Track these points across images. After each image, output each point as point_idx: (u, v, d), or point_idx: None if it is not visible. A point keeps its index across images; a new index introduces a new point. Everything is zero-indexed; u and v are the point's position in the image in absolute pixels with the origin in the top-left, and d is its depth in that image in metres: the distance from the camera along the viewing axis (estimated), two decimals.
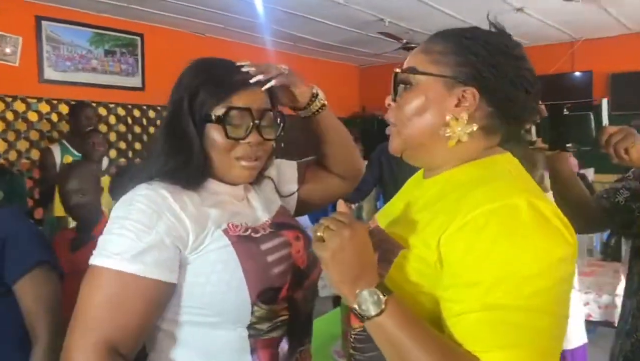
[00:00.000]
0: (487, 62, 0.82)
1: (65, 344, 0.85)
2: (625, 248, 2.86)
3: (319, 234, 0.75)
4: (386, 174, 3.24)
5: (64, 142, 3.81)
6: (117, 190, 0.99)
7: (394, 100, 0.89)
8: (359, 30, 5.73)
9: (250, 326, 0.94)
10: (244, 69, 1.01)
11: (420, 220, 0.82)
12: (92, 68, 5.00)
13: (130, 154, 5.31)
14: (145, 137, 5.41)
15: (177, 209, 0.91)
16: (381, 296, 0.71)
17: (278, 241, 1.02)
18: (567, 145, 1.31)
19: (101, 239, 0.90)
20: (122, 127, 5.25)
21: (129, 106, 5.28)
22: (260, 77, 0.99)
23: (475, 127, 0.84)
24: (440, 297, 0.75)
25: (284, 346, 0.99)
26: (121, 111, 5.24)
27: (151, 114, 5.46)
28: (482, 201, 0.73)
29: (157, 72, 5.42)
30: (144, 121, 5.42)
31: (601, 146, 1.29)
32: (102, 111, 5.06)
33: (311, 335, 1.09)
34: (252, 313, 0.93)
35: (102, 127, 5.10)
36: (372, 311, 0.71)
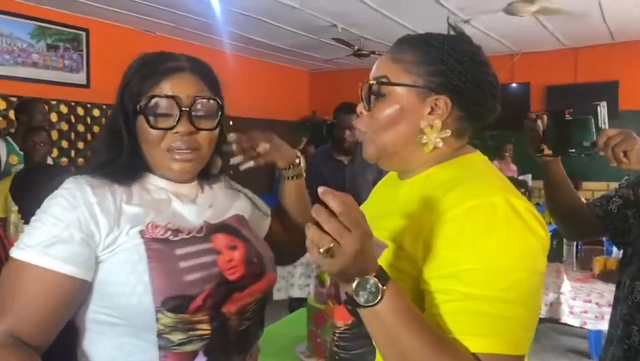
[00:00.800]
0: (457, 70, 0.86)
1: None
2: (566, 250, 3.05)
3: (322, 250, 0.67)
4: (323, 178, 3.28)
5: (9, 139, 3.60)
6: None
7: (367, 109, 0.91)
8: (312, 35, 5.78)
9: (159, 335, 0.88)
10: (229, 140, 0.99)
11: (402, 219, 0.84)
12: (32, 63, 4.76)
13: (72, 153, 5.09)
14: (89, 136, 5.21)
15: (93, 205, 0.88)
16: (379, 285, 0.70)
17: (200, 248, 0.95)
18: (570, 150, 1.33)
19: (24, 232, 0.89)
20: (64, 126, 5.02)
21: (72, 103, 5.07)
22: (237, 159, 0.99)
23: (449, 132, 0.88)
24: (424, 289, 0.78)
25: None
26: (64, 108, 5.02)
27: (96, 112, 5.26)
28: (462, 199, 0.77)
29: (103, 70, 5.23)
30: (88, 120, 5.21)
31: (600, 148, 1.26)
32: (45, 109, 4.82)
33: (248, 353, 1.00)
34: (157, 320, 0.87)
35: None
36: (370, 301, 0.70)
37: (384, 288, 0.70)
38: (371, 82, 0.90)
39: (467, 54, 0.88)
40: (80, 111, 5.14)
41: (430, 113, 0.87)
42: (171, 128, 0.94)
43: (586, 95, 6.38)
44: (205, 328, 0.91)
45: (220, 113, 0.99)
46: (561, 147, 1.34)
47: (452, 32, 0.93)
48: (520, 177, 5.80)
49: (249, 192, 1.19)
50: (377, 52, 5.77)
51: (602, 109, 1.38)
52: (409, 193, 0.89)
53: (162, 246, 0.91)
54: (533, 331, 0.76)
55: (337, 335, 0.94)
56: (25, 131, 3.27)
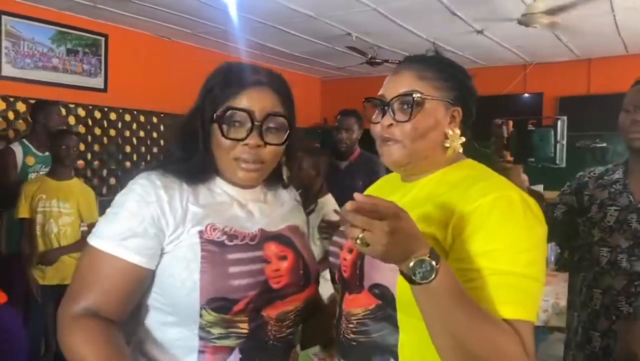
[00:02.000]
0: (464, 85, 1.05)
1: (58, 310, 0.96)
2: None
3: (358, 242, 0.75)
4: None
5: (25, 141, 3.66)
6: None
7: (406, 119, 1.00)
8: (327, 43, 5.84)
9: (201, 328, 0.95)
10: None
11: (427, 212, 0.95)
12: (52, 67, 4.85)
13: (88, 156, 5.17)
14: (105, 140, 5.29)
15: (164, 203, 0.96)
16: (434, 264, 0.78)
17: (251, 255, 1.00)
18: (530, 159, 1.40)
19: (99, 220, 1.00)
20: (81, 129, 5.10)
21: (90, 107, 5.15)
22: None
23: (463, 139, 1.04)
24: (454, 268, 0.86)
25: (235, 358, 0.97)
26: (81, 112, 5.10)
27: (112, 116, 5.35)
28: (485, 192, 0.91)
29: (120, 74, 5.32)
30: (105, 123, 5.29)
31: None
32: (62, 111, 4.91)
33: (284, 358, 1.05)
34: (201, 315, 0.94)
35: None
36: (425, 278, 0.78)
37: (438, 266, 0.78)
38: (414, 95, 1.00)
39: (465, 71, 1.07)
40: (97, 114, 5.23)
41: (450, 123, 1.03)
42: (242, 140, 1.00)
43: (599, 106, 6.38)
44: (243, 328, 0.97)
45: (289, 130, 1.04)
46: (522, 155, 1.40)
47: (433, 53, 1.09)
48: (533, 187, 5.78)
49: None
50: (390, 61, 5.81)
51: (562, 124, 1.44)
52: (424, 191, 1.02)
53: (216, 249, 0.97)
54: (540, 304, 0.92)
55: (354, 322, 1.00)
56: (55, 134, 3.32)
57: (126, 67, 5.40)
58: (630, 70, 6.44)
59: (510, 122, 1.46)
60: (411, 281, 0.79)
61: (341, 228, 1.13)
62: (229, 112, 1.00)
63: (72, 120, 5.03)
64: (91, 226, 3.16)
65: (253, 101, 1.00)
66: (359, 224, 0.75)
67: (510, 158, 1.41)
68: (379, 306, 0.96)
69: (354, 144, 3.33)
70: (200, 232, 0.97)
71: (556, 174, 6.22)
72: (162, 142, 5.89)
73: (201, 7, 4.62)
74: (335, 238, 1.13)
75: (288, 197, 1.18)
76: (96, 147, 5.23)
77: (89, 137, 5.17)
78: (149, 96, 5.55)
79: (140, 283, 0.97)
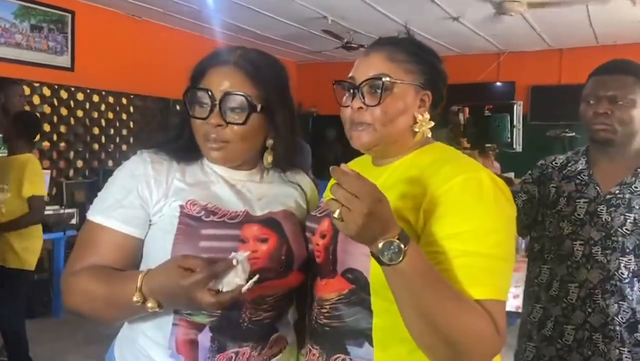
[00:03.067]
0: (435, 68, 1.03)
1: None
2: None
3: (335, 216, 0.77)
4: None
5: None
6: None
7: (376, 103, 0.98)
8: (302, 26, 5.76)
9: None
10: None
11: (399, 194, 0.94)
12: (16, 43, 4.64)
13: (54, 137, 5.00)
14: (72, 120, 5.12)
15: (150, 177, 1.01)
16: (402, 246, 0.79)
17: (226, 232, 1.00)
18: (487, 145, 1.40)
19: (97, 195, 1.06)
20: (47, 109, 4.92)
21: (56, 86, 4.97)
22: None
23: (432, 123, 1.03)
24: (425, 252, 0.87)
25: (205, 336, 0.99)
26: (47, 91, 4.91)
27: (80, 96, 5.17)
28: (454, 174, 0.91)
29: (88, 53, 5.14)
30: (72, 103, 5.12)
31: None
32: (26, 90, 4.71)
33: (266, 345, 1.04)
34: None
35: (25, 108, 4.77)
36: (396, 258, 0.79)
37: (406, 248, 0.79)
38: (384, 79, 0.98)
39: (435, 53, 1.06)
40: (63, 94, 5.04)
41: (420, 107, 1.02)
42: (204, 119, 1.00)
43: (570, 96, 6.49)
44: None
45: (250, 109, 1.00)
46: (479, 141, 1.40)
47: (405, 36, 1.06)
48: (506, 175, 5.87)
49: (306, 186, 1.19)
50: (366, 46, 5.77)
51: (519, 108, 1.46)
52: (395, 174, 1.01)
53: (192, 223, 0.99)
54: (510, 283, 0.92)
55: (327, 307, 0.99)
56: (15, 115, 3.17)
57: (94, 46, 5.21)
58: (600, 60, 6.52)
59: (467, 109, 1.45)
60: (380, 262, 0.80)
61: (312, 213, 1.11)
62: (190, 92, 1.02)
63: (36, 99, 4.84)
64: (33, 199, 3.01)
65: (213, 80, 1.01)
66: (341, 200, 0.76)
67: (467, 145, 1.40)
68: (352, 290, 0.96)
69: None
70: (181, 206, 1.00)
71: (527, 162, 6.35)
72: (131, 124, 5.74)
73: None
74: (307, 224, 1.10)
75: (295, 181, 1.16)
76: (62, 129, 5.06)
77: (55, 118, 4.99)
78: (118, 76, 5.38)
79: (131, 251, 1.02)
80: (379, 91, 0.97)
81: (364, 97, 0.98)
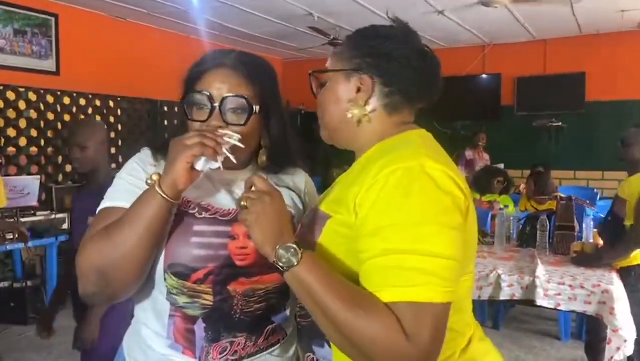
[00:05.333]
0: (378, 51, 0.95)
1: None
2: (539, 235, 3.15)
3: (242, 203, 0.87)
4: None
5: None
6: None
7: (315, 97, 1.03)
8: (288, 23, 5.76)
9: (169, 293, 1.01)
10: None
11: (341, 191, 0.93)
12: None
13: (41, 142, 4.95)
14: (59, 125, 5.08)
15: (151, 172, 1.02)
16: (298, 249, 0.84)
17: (217, 229, 1.02)
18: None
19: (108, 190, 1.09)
20: (33, 113, 4.88)
21: (42, 91, 4.92)
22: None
23: (370, 107, 0.96)
24: (357, 248, 0.85)
25: (200, 327, 1.01)
26: (32, 96, 4.87)
27: (66, 100, 5.13)
28: (384, 165, 0.85)
29: (73, 56, 5.10)
30: (58, 107, 5.08)
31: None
32: (11, 95, 4.68)
33: (260, 335, 1.06)
34: (165, 279, 1.00)
35: (11, 113, 4.72)
36: (291, 262, 0.84)
37: (301, 251, 0.84)
38: (314, 73, 1.02)
39: (390, 35, 0.97)
40: (49, 98, 5.00)
41: (357, 92, 0.96)
42: (204, 121, 1.01)
43: (555, 86, 6.57)
44: (207, 299, 1.01)
45: (250, 110, 1.02)
46: None
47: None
48: (497, 165, 5.92)
49: (301, 192, 1.20)
50: None
51: None
52: (352, 170, 0.99)
53: (184, 218, 1.02)
54: (453, 281, 0.82)
55: (298, 305, 1.02)
56: None
57: (79, 49, 5.17)
58: (583, 49, 6.65)
59: None
60: (280, 269, 0.85)
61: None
62: (189, 95, 1.03)
63: (22, 105, 4.80)
64: None
65: (211, 82, 1.02)
66: (246, 193, 0.90)
67: None
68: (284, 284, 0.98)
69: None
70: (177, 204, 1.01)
71: (515, 153, 6.43)
72: (119, 126, 5.71)
73: None
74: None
75: (290, 181, 1.17)
76: (49, 133, 5.01)
77: (42, 123, 4.95)
78: (104, 78, 5.34)
79: None
80: (318, 84, 1.02)
81: (314, 93, 1.04)
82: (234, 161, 0.96)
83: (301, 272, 0.83)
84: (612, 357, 2.41)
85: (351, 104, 0.96)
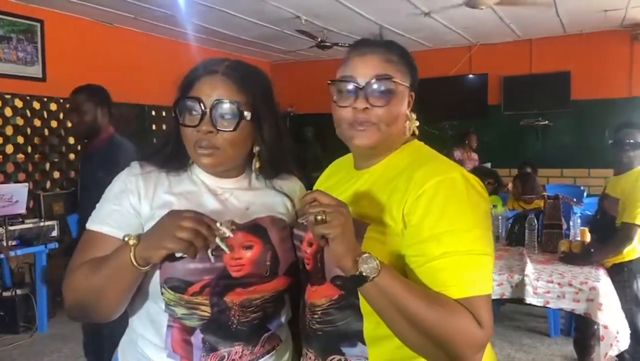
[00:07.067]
0: (416, 70, 1.07)
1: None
2: (527, 234, 3.19)
3: (319, 217, 0.85)
4: None
5: None
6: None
7: (383, 104, 1.01)
8: (276, 26, 5.76)
9: (167, 306, 1.02)
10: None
11: (377, 200, 0.99)
12: None
13: (28, 149, 4.91)
14: (46, 131, 5.04)
15: (140, 190, 1.06)
16: (377, 260, 0.85)
17: None
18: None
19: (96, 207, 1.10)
20: (19, 120, 4.83)
21: (28, 97, 4.88)
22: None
23: (418, 122, 1.07)
24: (406, 255, 0.93)
25: (197, 338, 1.03)
26: (19, 103, 4.83)
27: (53, 106, 5.09)
28: (428, 176, 0.94)
29: (59, 62, 5.06)
30: (45, 114, 5.03)
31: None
32: None
33: (257, 343, 1.08)
34: (162, 293, 1.01)
35: None
36: (373, 273, 0.85)
37: (377, 260, 0.85)
38: (393, 79, 1.01)
39: (414, 58, 1.09)
40: (36, 105, 4.96)
41: (408, 106, 1.06)
42: (194, 126, 1.03)
43: (541, 85, 6.64)
44: (205, 311, 1.02)
45: (240, 116, 1.03)
46: None
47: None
48: (485, 165, 5.97)
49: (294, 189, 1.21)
50: (340, 44, 5.81)
51: None
52: (372, 179, 1.04)
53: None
54: (492, 275, 0.95)
55: (318, 312, 1.03)
56: None
57: (65, 55, 5.14)
58: (568, 49, 6.73)
59: None
60: (360, 281, 0.85)
61: (299, 220, 1.12)
62: (181, 101, 1.05)
63: (8, 112, 4.76)
64: None
65: (202, 89, 1.04)
66: (318, 208, 0.86)
67: None
68: (342, 296, 0.99)
69: (90, 125, 2.58)
70: None
71: (503, 152, 6.48)
72: None
73: None
74: (295, 232, 1.12)
75: (285, 187, 1.18)
76: (36, 140, 4.97)
77: (28, 130, 4.91)
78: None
79: None
80: (386, 91, 1.00)
81: (368, 97, 0.99)
82: (227, 251, 0.96)
83: (385, 280, 0.85)
84: (607, 353, 2.43)
85: (411, 117, 1.06)
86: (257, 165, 1.12)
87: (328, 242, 0.86)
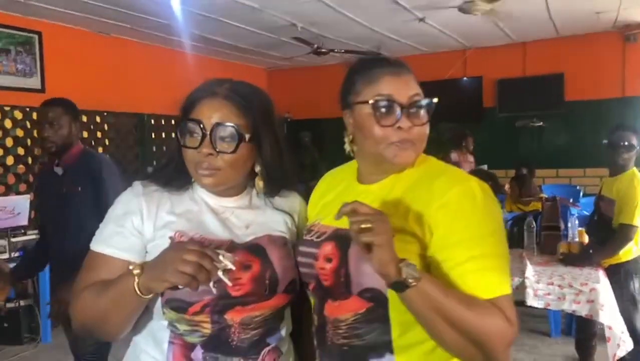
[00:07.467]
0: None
1: None
2: (526, 236, 3.24)
3: (364, 226, 0.87)
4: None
5: None
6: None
7: (422, 123, 1.05)
8: (272, 34, 5.80)
9: (169, 323, 1.05)
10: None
11: (396, 211, 1.01)
12: None
13: (29, 160, 4.93)
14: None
15: (143, 210, 1.08)
16: (416, 267, 0.89)
17: None
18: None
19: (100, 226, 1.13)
20: (19, 132, 4.86)
21: (27, 109, 4.90)
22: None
23: None
24: (434, 260, 0.97)
25: (198, 354, 1.04)
26: (18, 114, 4.85)
27: None
28: (448, 185, 1.00)
29: (58, 73, 5.08)
30: None
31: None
32: None
33: (258, 358, 1.08)
34: (164, 313, 1.04)
35: None
36: (416, 277, 0.88)
37: (418, 268, 0.89)
38: (434, 100, 1.05)
39: None
40: (35, 116, 4.97)
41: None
42: (195, 148, 1.06)
43: (535, 87, 6.70)
44: (206, 328, 1.05)
45: (240, 139, 1.05)
46: None
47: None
48: (482, 167, 6.01)
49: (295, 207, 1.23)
50: (336, 50, 5.86)
51: None
52: (384, 192, 1.07)
53: None
54: None
55: (343, 327, 1.03)
56: None
57: (64, 66, 5.16)
58: (561, 51, 6.80)
59: None
60: (403, 287, 0.88)
61: (306, 237, 1.13)
62: (182, 123, 1.08)
63: (8, 123, 4.78)
64: None
65: (203, 111, 1.06)
66: (362, 217, 0.88)
67: None
68: (370, 308, 1.01)
69: (65, 140, 2.40)
70: (171, 237, 1.05)
71: (498, 154, 6.54)
72: (106, 141, 5.69)
73: (139, 0, 4.47)
74: (303, 249, 1.12)
75: (285, 204, 1.20)
76: (37, 152, 4.99)
77: (29, 141, 4.93)
78: (90, 94, 5.32)
79: None
80: (425, 111, 1.04)
81: (410, 117, 1.02)
82: (229, 283, 0.96)
83: (426, 285, 0.89)
84: (615, 354, 2.46)
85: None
86: (260, 185, 1.14)
87: (371, 250, 0.88)
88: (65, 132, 2.37)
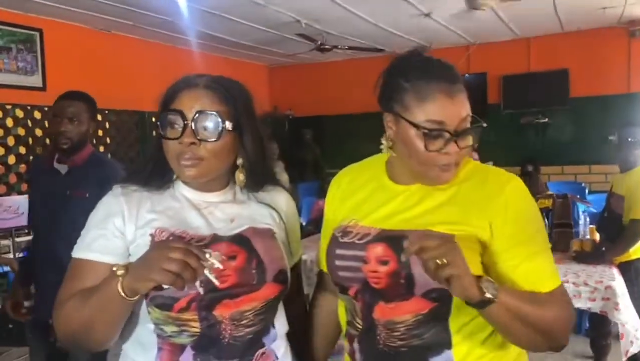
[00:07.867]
0: None
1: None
2: None
3: (438, 261, 0.85)
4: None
5: None
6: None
7: (460, 147, 1.00)
8: (276, 30, 5.75)
9: (156, 325, 1.01)
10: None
11: (448, 211, 1.02)
12: None
13: (31, 159, 4.88)
14: (47, 141, 5.00)
15: (124, 212, 1.06)
16: (494, 282, 0.90)
17: None
18: None
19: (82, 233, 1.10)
20: (21, 130, 4.81)
21: (29, 107, 4.85)
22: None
23: None
24: (500, 259, 1.00)
25: (187, 356, 1.01)
26: (19, 113, 4.81)
27: None
28: (501, 182, 1.02)
29: (59, 71, 5.03)
30: (46, 124, 4.99)
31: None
32: None
33: (246, 357, 1.04)
34: (149, 313, 1.01)
35: None
36: (495, 292, 0.89)
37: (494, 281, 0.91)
38: (483, 125, 1.02)
39: None
40: (37, 114, 4.93)
41: None
42: (177, 138, 1.03)
43: (540, 83, 6.66)
44: (195, 326, 1.01)
45: (222, 127, 1.03)
46: None
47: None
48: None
49: (280, 202, 1.20)
50: (339, 47, 5.82)
51: None
52: (423, 191, 1.06)
53: None
54: None
55: (400, 329, 1.02)
56: None
57: (65, 63, 5.11)
58: (566, 47, 6.76)
59: None
60: (486, 303, 0.89)
61: (343, 240, 1.09)
62: (162, 115, 1.05)
63: (9, 122, 4.73)
64: None
65: (183, 101, 1.04)
66: (434, 253, 0.86)
67: None
68: (434, 308, 1.00)
69: (81, 138, 2.22)
70: (151, 235, 1.04)
71: (504, 150, 6.50)
72: (108, 140, 5.65)
73: None
74: (342, 252, 1.08)
75: (269, 199, 1.17)
76: (38, 150, 4.94)
77: (30, 140, 4.88)
78: (91, 92, 5.13)
79: None
80: (475, 134, 1.02)
81: (458, 142, 0.98)
82: (217, 283, 0.94)
83: (505, 297, 0.91)
84: (627, 351, 2.46)
85: None
86: (241, 177, 1.11)
87: (451, 281, 0.86)
88: (84, 129, 2.19)
